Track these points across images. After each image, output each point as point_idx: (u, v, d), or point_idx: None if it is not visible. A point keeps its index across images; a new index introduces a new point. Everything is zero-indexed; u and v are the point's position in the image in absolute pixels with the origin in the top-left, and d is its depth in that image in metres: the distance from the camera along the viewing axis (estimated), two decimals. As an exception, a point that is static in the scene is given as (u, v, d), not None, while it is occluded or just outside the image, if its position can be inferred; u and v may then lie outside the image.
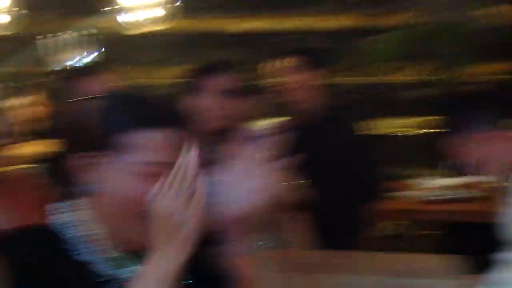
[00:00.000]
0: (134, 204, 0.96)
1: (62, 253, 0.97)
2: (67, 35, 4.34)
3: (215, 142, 1.95)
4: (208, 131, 2.02)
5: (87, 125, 1.01)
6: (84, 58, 4.47)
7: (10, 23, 4.51)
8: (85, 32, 4.46)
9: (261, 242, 1.95)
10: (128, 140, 0.97)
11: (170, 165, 0.94)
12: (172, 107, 1.11)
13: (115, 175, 0.98)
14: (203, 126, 2.03)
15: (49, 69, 4.57)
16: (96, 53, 4.49)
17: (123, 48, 5.23)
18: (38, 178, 1.70)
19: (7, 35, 4.81)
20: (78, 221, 1.00)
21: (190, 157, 0.93)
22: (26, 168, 1.78)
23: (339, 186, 2.53)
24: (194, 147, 0.93)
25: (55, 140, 1.16)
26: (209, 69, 2.11)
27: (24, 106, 4.35)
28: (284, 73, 2.67)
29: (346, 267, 1.98)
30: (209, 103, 2.03)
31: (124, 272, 1.00)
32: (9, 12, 4.46)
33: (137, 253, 1.01)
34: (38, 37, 5.17)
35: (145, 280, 0.92)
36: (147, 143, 0.97)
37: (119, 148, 0.97)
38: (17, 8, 4.54)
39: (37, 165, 1.82)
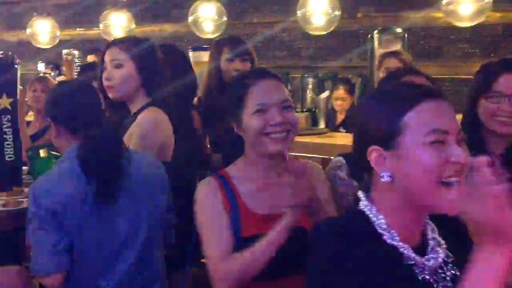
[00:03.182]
0: (435, 174, 1.06)
1: (374, 237, 1.12)
2: (391, 32, 4.41)
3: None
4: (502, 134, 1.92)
5: (367, 120, 1.18)
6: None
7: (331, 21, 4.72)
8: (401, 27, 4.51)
9: None
10: (406, 121, 1.10)
11: (449, 132, 1.07)
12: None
13: (405, 154, 1.09)
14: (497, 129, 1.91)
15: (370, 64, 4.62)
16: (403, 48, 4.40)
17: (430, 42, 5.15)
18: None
19: (328, 33, 5.04)
20: (375, 210, 1.15)
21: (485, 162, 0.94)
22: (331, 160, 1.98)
23: None
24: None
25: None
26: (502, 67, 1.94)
27: (334, 98, 4.93)
28: None
29: None
30: (495, 107, 1.89)
31: (428, 260, 1.13)
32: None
33: (415, 247, 1.13)
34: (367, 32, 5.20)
35: (477, 280, 0.94)
36: (425, 116, 1.09)
37: (398, 132, 1.10)
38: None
39: (338, 157, 1.96)
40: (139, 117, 2.23)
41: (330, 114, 5.05)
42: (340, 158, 1.95)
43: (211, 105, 2.93)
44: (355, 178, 1.80)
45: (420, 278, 1.11)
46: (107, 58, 2.30)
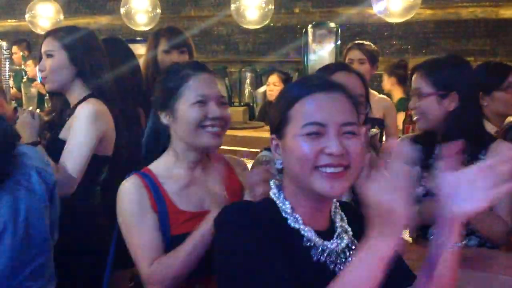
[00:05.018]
0: (309, 162, 1.12)
1: (279, 220, 1.19)
2: (325, 27, 4.34)
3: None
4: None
5: (273, 108, 1.26)
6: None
7: (265, 16, 4.67)
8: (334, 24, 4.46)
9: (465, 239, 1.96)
10: (290, 113, 1.17)
11: (327, 125, 1.13)
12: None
13: (287, 144, 1.17)
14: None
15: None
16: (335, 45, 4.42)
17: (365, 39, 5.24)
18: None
19: (265, 27, 4.98)
20: (281, 196, 1.22)
21: (403, 148, 1.01)
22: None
23: None
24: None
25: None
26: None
27: (267, 85, 4.85)
28: None
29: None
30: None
31: (331, 244, 1.19)
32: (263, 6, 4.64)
33: (321, 231, 1.19)
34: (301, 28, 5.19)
35: (365, 257, 1.01)
36: (305, 109, 1.16)
37: (285, 123, 1.18)
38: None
39: (263, 152, 1.97)
40: (78, 109, 2.12)
41: (267, 108, 5.07)
42: (266, 153, 1.94)
43: (148, 97, 2.84)
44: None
45: (315, 259, 1.17)
46: (42, 49, 2.20)
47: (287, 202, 1.20)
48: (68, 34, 2.19)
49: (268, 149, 1.95)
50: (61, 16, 5.63)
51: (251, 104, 5.45)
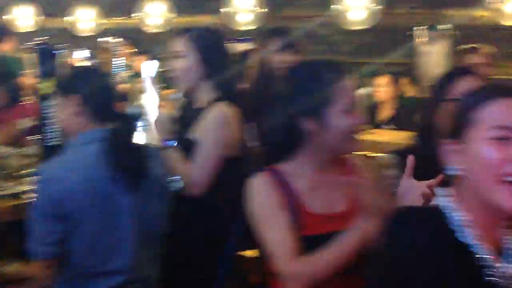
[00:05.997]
0: (493, 169, 1.05)
1: (446, 232, 1.11)
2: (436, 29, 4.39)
3: None
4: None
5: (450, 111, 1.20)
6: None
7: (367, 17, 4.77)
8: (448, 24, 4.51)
9: None
10: (475, 115, 1.11)
11: None
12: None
13: (470, 148, 1.09)
14: None
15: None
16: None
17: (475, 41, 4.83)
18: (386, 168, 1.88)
19: (368, 28, 5.06)
20: (451, 206, 1.13)
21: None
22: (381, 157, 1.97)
23: None
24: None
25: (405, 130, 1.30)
26: None
27: (376, 86, 4.78)
28: None
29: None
30: None
31: (502, 266, 1.09)
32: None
33: (497, 247, 1.11)
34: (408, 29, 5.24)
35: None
36: (494, 112, 1.09)
37: (467, 126, 1.11)
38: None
39: (390, 155, 1.93)
40: (208, 111, 2.15)
41: (372, 111, 4.93)
42: (394, 156, 1.90)
43: (260, 96, 2.85)
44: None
45: (486, 280, 1.08)
46: (172, 48, 2.25)
47: (458, 213, 1.12)
48: (200, 35, 2.22)
49: (394, 152, 1.91)
50: (171, 15, 5.81)
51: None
